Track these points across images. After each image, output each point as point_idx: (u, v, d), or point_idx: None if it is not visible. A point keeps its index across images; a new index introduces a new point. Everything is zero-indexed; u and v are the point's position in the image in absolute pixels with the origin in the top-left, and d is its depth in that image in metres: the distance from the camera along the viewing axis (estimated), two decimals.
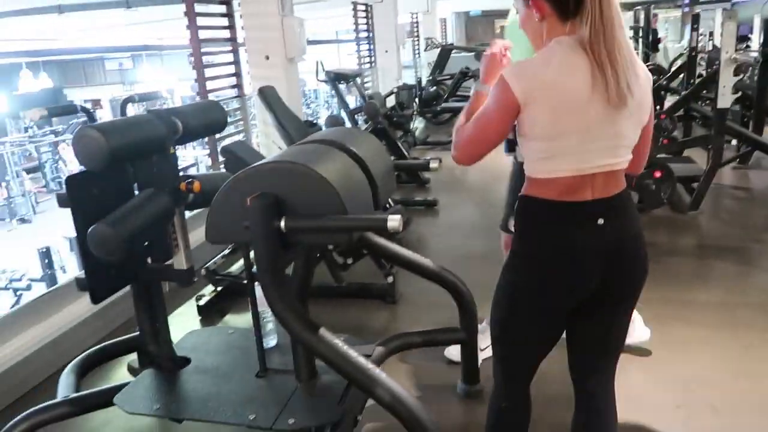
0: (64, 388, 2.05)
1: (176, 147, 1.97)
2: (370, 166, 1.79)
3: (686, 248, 3.71)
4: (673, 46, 14.15)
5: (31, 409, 1.91)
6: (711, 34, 11.22)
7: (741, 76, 4.80)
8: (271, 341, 2.21)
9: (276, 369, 2.03)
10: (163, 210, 1.84)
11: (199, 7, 4.33)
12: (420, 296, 3.16)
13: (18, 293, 7.84)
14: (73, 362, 2.17)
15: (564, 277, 1.34)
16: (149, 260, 2.05)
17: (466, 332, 2.24)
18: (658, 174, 4.17)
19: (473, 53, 9.06)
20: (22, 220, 13.14)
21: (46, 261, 7.90)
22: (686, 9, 15.28)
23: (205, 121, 2.05)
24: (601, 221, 1.32)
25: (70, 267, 8.66)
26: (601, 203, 1.33)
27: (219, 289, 3.32)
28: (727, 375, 2.34)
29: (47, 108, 1.84)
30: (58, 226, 8.94)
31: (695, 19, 5.12)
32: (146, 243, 2.02)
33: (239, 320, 3.13)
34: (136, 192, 1.94)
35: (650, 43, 8.90)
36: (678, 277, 3.28)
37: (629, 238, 1.37)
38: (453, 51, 10.37)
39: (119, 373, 2.59)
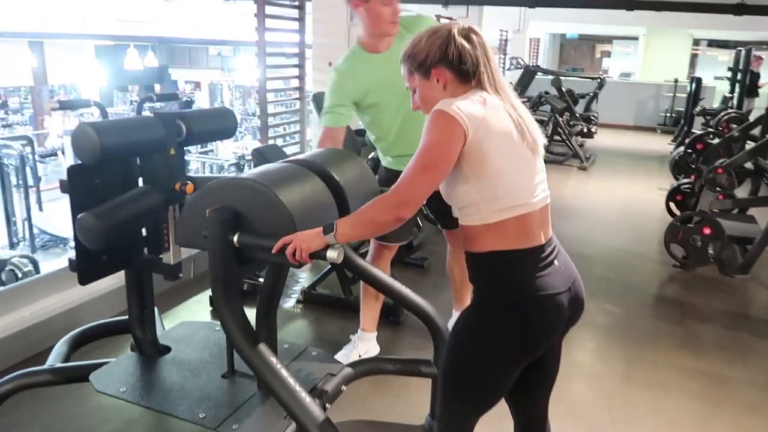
0: (54, 357, 2.21)
1: (181, 148, 2.08)
2: (347, 190, 1.83)
3: (721, 314, 3.48)
4: None
5: (17, 372, 2.08)
6: None
7: None
8: None
9: (243, 373, 2.11)
10: (154, 207, 1.95)
11: (270, 9, 4.50)
12: None
13: None
14: (69, 335, 2.34)
15: (544, 324, 1.40)
16: (146, 250, 2.19)
17: (438, 367, 2.22)
18: (707, 230, 3.94)
19: (552, 77, 8.84)
20: None
21: None
22: None
23: (212, 126, 2.15)
24: (556, 263, 1.42)
25: None
26: (550, 244, 1.44)
27: None
28: None
29: (59, 101, 2.00)
30: None
31: None
32: (144, 234, 2.16)
33: None
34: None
35: (746, 87, 8.39)
36: (699, 344, 3.09)
37: (577, 276, 1.48)
38: (537, 73, 10.17)
39: (125, 350, 2.76)
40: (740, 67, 8.49)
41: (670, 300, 3.72)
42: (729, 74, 9.17)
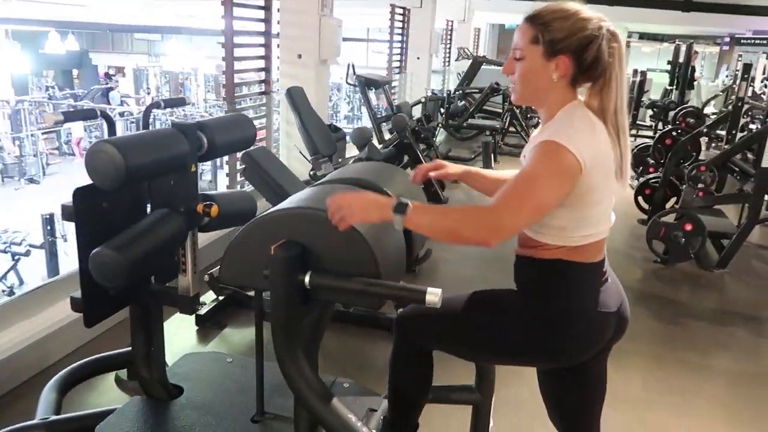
0: (45, 406, 1.89)
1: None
2: None
3: (707, 310, 3.55)
4: (706, 84, 13.91)
5: (8, 429, 1.76)
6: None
7: None
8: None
9: (274, 414, 1.88)
10: (176, 233, 1.68)
11: None
12: None
13: (16, 258, 7.71)
14: (57, 377, 2.00)
15: (596, 334, 1.37)
16: (153, 279, 1.90)
17: (480, 393, 2.07)
18: (689, 227, 3.99)
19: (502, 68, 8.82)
20: (31, 180, 13.04)
21: (49, 228, 7.73)
22: (725, 47, 15.03)
23: (232, 137, 1.88)
24: (609, 279, 1.41)
25: (71, 236, 8.50)
26: (604, 261, 1.42)
27: (221, 298, 3.16)
28: None
29: (63, 113, 1.67)
30: (65, 191, 8.79)
31: (746, 69, 4.88)
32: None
33: (237, 336, 2.97)
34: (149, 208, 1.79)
35: (687, 81, 8.70)
36: (693, 341, 3.12)
37: (624, 296, 1.45)
38: (483, 64, 10.13)
39: (106, 383, 2.44)
40: (680, 60, 8.78)
41: (658, 297, 3.74)
42: (667, 67, 9.49)
